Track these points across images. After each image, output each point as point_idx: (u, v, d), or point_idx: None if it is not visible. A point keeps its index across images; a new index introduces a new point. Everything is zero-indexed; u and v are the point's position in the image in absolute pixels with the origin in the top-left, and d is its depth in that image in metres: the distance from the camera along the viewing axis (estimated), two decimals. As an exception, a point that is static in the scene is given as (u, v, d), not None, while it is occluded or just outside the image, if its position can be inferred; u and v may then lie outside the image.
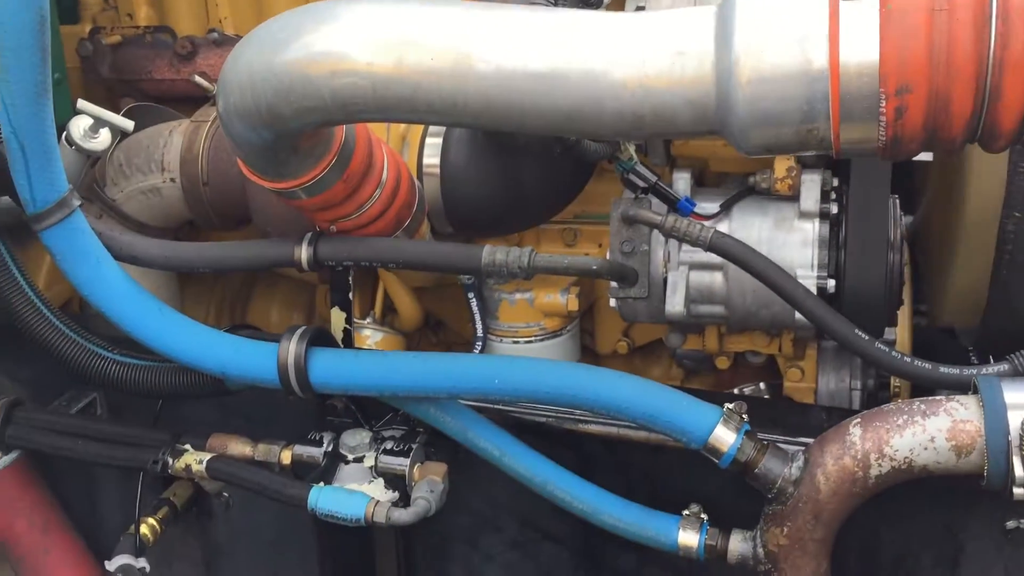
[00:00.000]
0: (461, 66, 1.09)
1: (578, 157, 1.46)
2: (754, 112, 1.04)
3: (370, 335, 1.83)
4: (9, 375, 1.78)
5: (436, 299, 2.01)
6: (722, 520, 1.41)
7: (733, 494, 1.45)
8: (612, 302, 1.57)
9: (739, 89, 1.03)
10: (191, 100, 2.03)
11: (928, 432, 1.20)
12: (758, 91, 1.03)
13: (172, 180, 1.84)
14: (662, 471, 1.53)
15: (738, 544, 1.36)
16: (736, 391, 1.85)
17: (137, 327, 1.44)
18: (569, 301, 1.80)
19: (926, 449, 1.20)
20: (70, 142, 1.52)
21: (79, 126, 1.50)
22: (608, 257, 1.57)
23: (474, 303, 1.82)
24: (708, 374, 1.91)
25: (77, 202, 1.40)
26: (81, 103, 1.49)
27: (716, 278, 1.55)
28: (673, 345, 1.70)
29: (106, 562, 1.55)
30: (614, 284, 1.53)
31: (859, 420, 1.26)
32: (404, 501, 1.44)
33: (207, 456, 1.52)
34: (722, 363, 1.77)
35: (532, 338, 1.84)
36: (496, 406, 1.54)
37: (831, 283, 1.52)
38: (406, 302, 1.87)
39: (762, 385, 1.85)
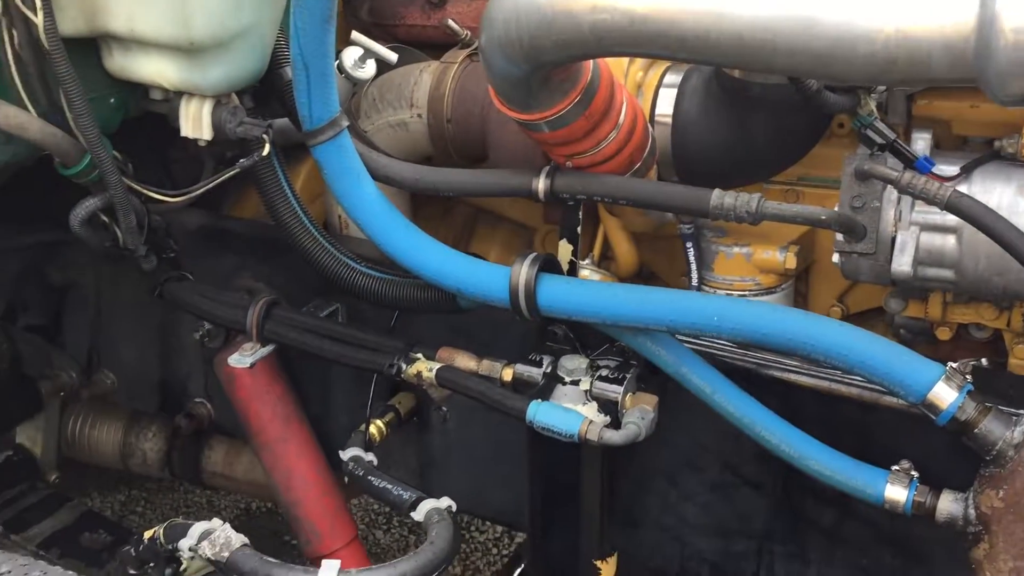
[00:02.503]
0: (716, 3, 1.14)
1: (817, 107, 1.47)
2: (1015, 60, 1.03)
3: (588, 275, 1.91)
4: (266, 281, 1.99)
5: (651, 250, 2.07)
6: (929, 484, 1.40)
7: (944, 460, 1.44)
8: (835, 257, 1.58)
9: (1001, 36, 1.03)
10: (437, 46, 2.17)
11: None
12: (1022, 39, 1.02)
13: (419, 116, 1.99)
14: (871, 429, 1.54)
15: (948, 504, 1.36)
16: (956, 364, 1.81)
17: (387, 241, 1.58)
18: (787, 259, 1.82)
19: None
20: (341, 70, 1.68)
21: (351, 56, 1.66)
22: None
23: (691, 252, 1.87)
24: (926, 346, 1.87)
25: (346, 123, 1.55)
26: (355, 35, 1.65)
27: (948, 241, 1.53)
28: (893, 310, 1.69)
29: (340, 452, 1.72)
30: (839, 238, 1.53)
31: (1094, 390, 1.23)
32: (615, 427, 1.52)
33: (437, 365, 1.65)
34: (943, 334, 1.73)
35: (746, 292, 1.87)
36: (707, 349, 1.59)
37: (1075, 255, 1.46)
38: (624, 248, 1.95)
39: (984, 361, 1.79)
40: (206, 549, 1.36)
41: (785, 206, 1.42)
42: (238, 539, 1.37)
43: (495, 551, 3.70)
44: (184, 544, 1.40)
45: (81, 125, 1.46)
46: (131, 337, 2.19)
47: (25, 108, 1.45)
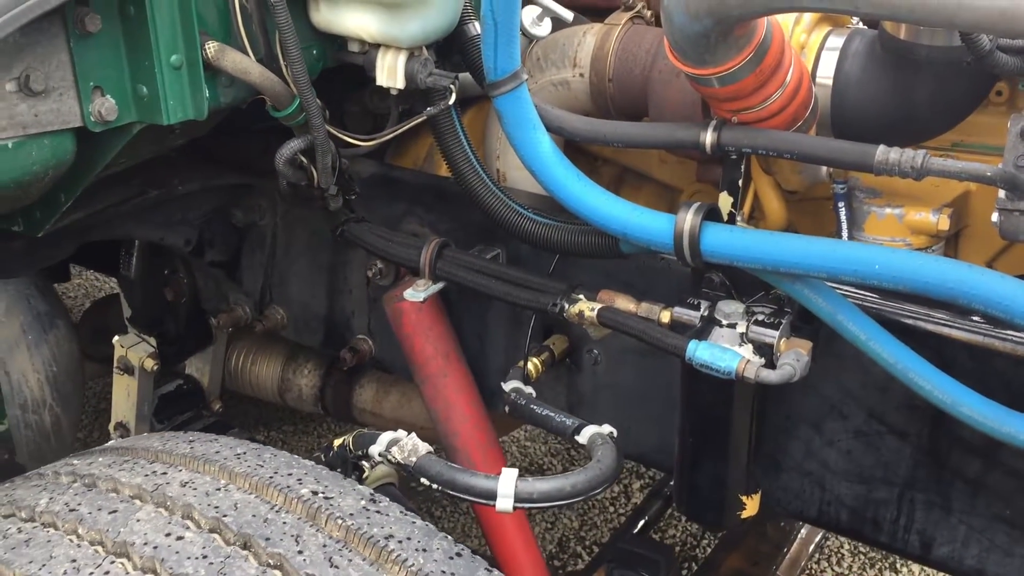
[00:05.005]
0: (904, -40, 1.21)
1: (987, 68, 1.52)
2: None
3: (738, 231, 1.99)
4: (431, 226, 2.14)
5: (797, 210, 2.14)
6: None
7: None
8: (994, 216, 1.62)
9: None
10: (595, 11, 2.27)
11: None
12: None
13: (581, 75, 2.10)
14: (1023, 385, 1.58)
15: (1102, 452, 1.40)
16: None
17: (560, 187, 1.70)
18: (940, 220, 1.86)
19: None
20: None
21: (529, 14, 1.78)
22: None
23: (843, 212, 1.93)
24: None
25: (526, 76, 1.68)
26: (536, -6, 1.77)
27: (1113, 203, 1.55)
28: (1048, 272, 1.72)
29: (502, 383, 1.86)
30: (1001, 196, 1.58)
31: None
32: (770, 368, 1.60)
33: (598, 305, 1.77)
34: (1097, 299, 1.75)
35: (895, 253, 1.92)
36: (859, 302, 1.66)
37: None
38: (775, 206, 2.02)
39: None
40: (395, 454, 1.51)
41: (950, 162, 1.48)
42: (423, 447, 1.52)
43: (612, 509, 3.83)
44: (374, 450, 1.55)
45: (294, 72, 1.62)
46: (302, 276, 2.37)
47: (247, 55, 1.61)
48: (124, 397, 2.66)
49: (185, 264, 2.53)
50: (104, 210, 1.97)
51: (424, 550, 1.13)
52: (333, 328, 2.40)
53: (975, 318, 1.61)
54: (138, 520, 1.11)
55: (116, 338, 2.60)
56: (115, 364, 2.61)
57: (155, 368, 2.58)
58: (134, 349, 2.58)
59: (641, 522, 3.03)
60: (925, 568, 3.41)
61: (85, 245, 2.19)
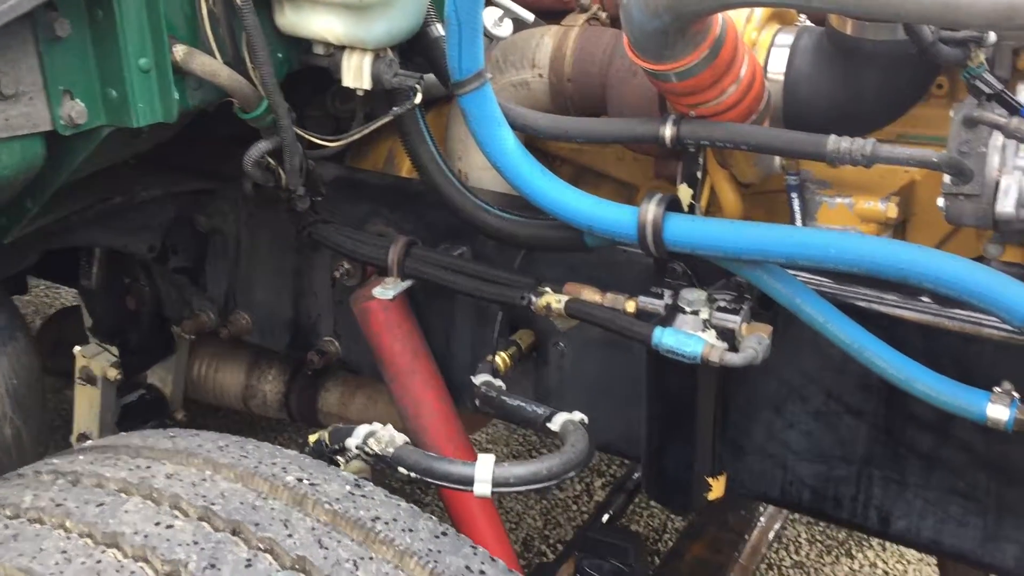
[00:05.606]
0: (852, -44, 1.28)
1: (930, 59, 1.60)
2: None
3: (696, 224, 2.05)
4: (396, 226, 2.16)
5: (751, 203, 2.20)
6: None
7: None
8: (940, 201, 1.70)
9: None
10: (551, 13, 2.33)
11: None
12: None
13: (540, 75, 2.15)
14: (972, 360, 1.66)
15: (1048, 420, 1.48)
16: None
17: (525, 183, 1.75)
18: (889, 208, 1.95)
19: None
20: (481, 29, 1.84)
21: (491, 16, 1.83)
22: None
23: (795, 203, 2.01)
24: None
25: (489, 76, 1.72)
26: (496, -4, 1.82)
27: (1050, 185, 1.64)
28: (992, 255, 1.80)
29: (472, 377, 1.89)
30: (947, 181, 1.66)
31: None
32: (733, 352, 1.66)
33: (565, 297, 1.82)
34: (1038, 279, 1.84)
35: (846, 241, 2.00)
36: (817, 287, 1.73)
37: None
38: (731, 199, 2.08)
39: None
40: (373, 446, 1.53)
41: (898, 148, 1.55)
42: (400, 437, 1.54)
43: (575, 507, 3.88)
44: (351, 443, 1.57)
45: (262, 74, 1.65)
46: (267, 280, 2.38)
47: (215, 58, 1.63)
48: (87, 408, 2.64)
49: (146, 272, 2.53)
50: (68, 217, 1.97)
51: (410, 530, 1.16)
52: (299, 331, 2.41)
53: (924, 299, 1.69)
54: (126, 511, 1.12)
55: (77, 348, 2.58)
56: (77, 375, 2.59)
57: (117, 378, 2.57)
58: (96, 359, 2.57)
59: (605, 516, 3.08)
60: (880, 554, 3.51)
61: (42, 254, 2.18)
